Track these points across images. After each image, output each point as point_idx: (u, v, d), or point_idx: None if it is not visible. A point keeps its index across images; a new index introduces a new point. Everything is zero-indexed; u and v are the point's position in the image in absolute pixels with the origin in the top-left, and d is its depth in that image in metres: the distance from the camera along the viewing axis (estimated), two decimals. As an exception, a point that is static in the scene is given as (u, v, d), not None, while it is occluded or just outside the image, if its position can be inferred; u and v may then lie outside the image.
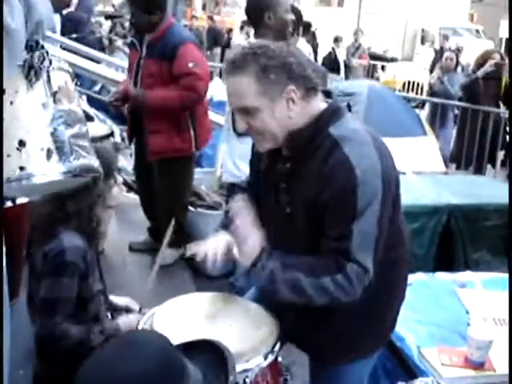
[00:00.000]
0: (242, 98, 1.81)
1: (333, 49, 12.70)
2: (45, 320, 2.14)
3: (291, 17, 3.64)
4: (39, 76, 1.72)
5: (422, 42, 22.27)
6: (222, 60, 14.41)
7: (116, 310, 2.54)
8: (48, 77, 1.75)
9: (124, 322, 2.36)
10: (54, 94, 1.73)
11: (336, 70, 11.73)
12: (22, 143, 1.66)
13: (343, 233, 1.78)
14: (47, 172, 1.70)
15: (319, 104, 1.88)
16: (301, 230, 1.91)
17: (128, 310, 2.54)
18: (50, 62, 1.76)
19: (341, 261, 1.79)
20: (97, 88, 8.17)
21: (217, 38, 16.25)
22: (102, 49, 9.60)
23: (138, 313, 2.45)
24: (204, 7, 28.68)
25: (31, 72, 1.70)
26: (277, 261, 1.84)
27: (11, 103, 1.66)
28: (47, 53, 1.76)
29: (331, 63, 11.84)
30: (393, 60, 19.00)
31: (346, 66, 12.90)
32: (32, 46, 1.76)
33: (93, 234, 2.34)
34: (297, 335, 2.06)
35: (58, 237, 2.20)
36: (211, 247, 1.99)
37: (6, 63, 1.64)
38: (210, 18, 19.73)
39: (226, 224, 2.09)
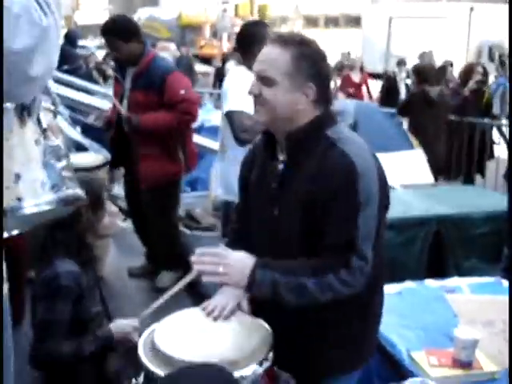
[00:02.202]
0: (270, 67, 1.91)
1: (393, 73, 11.37)
2: (39, 342, 2.27)
3: None
4: (31, 115, 1.85)
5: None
6: (214, 86, 14.55)
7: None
8: (37, 115, 1.89)
9: (116, 326, 2.44)
10: (44, 131, 1.88)
11: (394, 96, 10.12)
12: (17, 176, 1.77)
13: (349, 225, 1.84)
14: (42, 201, 1.83)
15: (318, 112, 1.97)
16: (292, 233, 1.96)
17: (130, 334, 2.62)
18: (40, 102, 1.90)
19: (344, 255, 1.85)
20: (91, 119, 8.27)
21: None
22: (95, 80, 9.74)
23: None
24: (215, 34, 28.37)
25: (24, 111, 1.82)
26: (275, 270, 1.88)
27: (7, 140, 1.76)
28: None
29: (391, 88, 10.41)
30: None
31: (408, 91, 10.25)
32: None
33: (86, 260, 2.46)
34: (285, 352, 2.03)
35: (52, 263, 2.34)
36: (220, 303, 2.03)
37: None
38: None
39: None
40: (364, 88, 10.56)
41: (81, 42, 13.67)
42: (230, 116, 3.77)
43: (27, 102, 1.77)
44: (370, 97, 10.20)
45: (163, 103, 4.35)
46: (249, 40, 3.85)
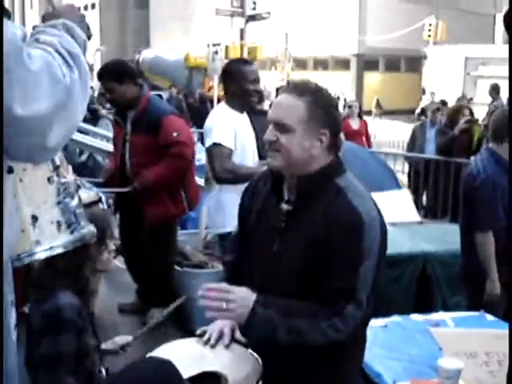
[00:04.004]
0: (286, 115, 2.00)
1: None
2: (48, 376, 2.23)
3: (255, 87, 3.89)
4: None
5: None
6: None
7: (114, 354, 2.70)
8: None
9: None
10: (56, 168, 1.86)
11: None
12: (34, 218, 1.78)
13: (351, 273, 1.93)
14: (59, 243, 1.82)
15: (329, 159, 2.07)
16: (289, 272, 2.03)
17: (123, 348, 2.72)
18: None
19: (340, 303, 1.93)
20: (84, 158, 8.37)
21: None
22: (86, 119, 9.87)
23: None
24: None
25: None
26: (274, 308, 1.95)
27: (21, 180, 1.76)
28: None
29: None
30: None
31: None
32: None
33: (83, 292, 2.47)
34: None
35: (54, 295, 2.32)
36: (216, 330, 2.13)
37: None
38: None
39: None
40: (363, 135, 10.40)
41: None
42: (210, 150, 3.84)
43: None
44: (369, 145, 10.15)
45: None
46: (229, 78, 3.96)
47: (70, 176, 1.92)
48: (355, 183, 2.08)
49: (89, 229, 1.92)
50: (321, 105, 2.02)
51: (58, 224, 1.82)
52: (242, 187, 3.64)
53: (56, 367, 2.24)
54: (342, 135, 2.19)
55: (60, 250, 1.82)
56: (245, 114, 3.99)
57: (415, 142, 8.94)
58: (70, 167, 2.07)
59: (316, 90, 2.04)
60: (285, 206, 2.09)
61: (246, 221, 2.27)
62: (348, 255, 1.94)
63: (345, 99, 13.46)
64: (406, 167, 9.63)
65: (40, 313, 2.33)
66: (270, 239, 2.10)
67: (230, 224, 3.77)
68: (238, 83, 3.88)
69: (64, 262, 2.37)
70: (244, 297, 1.98)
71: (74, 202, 1.88)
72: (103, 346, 2.70)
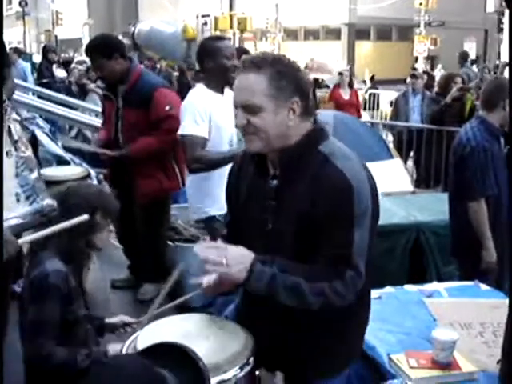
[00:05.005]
0: (251, 94, 1.92)
1: None
2: (31, 342, 2.26)
3: (232, 63, 3.79)
4: (1, 127, 1.87)
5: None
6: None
7: (114, 329, 2.68)
8: (8, 127, 1.91)
9: (114, 349, 2.44)
10: (15, 143, 1.89)
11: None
12: None
13: (345, 240, 1.89)
14: (17, 214, 1.84)
15: (308, 125, 2.00)
16: (286, 247, 2.00)
17: (126, 325, 2.68)
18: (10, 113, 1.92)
19: (340, 268, 1.90)
20: (73, 133, 8.30)
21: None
22: (75, 94, 9.76)
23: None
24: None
25: None
26: (275, 266, 1.91)
27: None
28: (8, 105, 1.93)
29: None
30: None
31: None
32: None
33: (73, 262, 2.46)
34: (270, 354, 2.12)
35: (41, 263, 2.34)
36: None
37: None
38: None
39: None
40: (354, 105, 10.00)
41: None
42: (182, 141, 3.77)
43: None
44: (359, 116, 10.00)
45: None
46: (205, 55, 3.85)
47: (28, 152, 1.92)
48: (340, 147, 2.01)
49: (48, 202, 1.92)
50: (283, 74, 1.93)
51: (17, 196, 1.83)
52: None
53: (39, 333, 2.25)
54: (313, 96, 2.11)
55: (18, 221, 1.82)
56: (226, 94, 3.86)
57: (398, 112, 8.90)
58: (45, 142, 2.10)
59: (274, 60, 1.95)
60: (272, 182, 2.04)
61: (234, 203, 2.23)
62: (341, 221, 1.90)
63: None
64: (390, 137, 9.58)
65: (29, 280, 2.36)
66: (263, 218, 2.06)
67: (210, 205, 3.74)
68: (215, 60, 3.78)
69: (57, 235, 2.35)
70: (243, 254, 1.94)
71: (33, 175, 1.91)
72: (106, 320, 2.71)
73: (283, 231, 2.00)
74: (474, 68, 16.48)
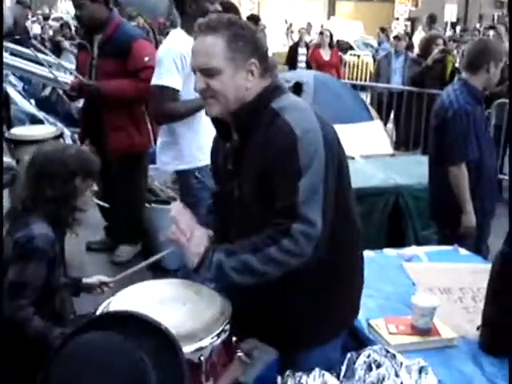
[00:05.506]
0: (208, 57, 1.87)
1: None
2: (10, 302, 2.21)
3: (215, 7, 3.66)
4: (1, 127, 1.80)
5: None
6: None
7: (91, 289, 2.64)
8: None
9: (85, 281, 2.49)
10: None
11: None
12: None
13: (289, 190, 1.82)
14: None
15: (264, 84, 1.95)
16: (252, 216, 1.95)
17: (102, 284, 2.65)
18: None
19: (284, 224, 1.82)
20: (47, 92, 8.12)
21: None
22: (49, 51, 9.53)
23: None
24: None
25: None
26: (221, 252, 1.87)
27: None
28: None
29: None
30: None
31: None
32: None
33: (58, 225, 2.41)
34: (250, 327, 2.06)
35: (28, 225, 2.29)
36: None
37: None
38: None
39: None
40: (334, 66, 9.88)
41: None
42: (154, 91, 3.62)
43: None
44: (339, 77, 9.86)
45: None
46: None
47: None
48: (293, 101, 1.95)
49: (7, 161, 1.85)
50: (240, 35, 1.89)
51: None
52: (193, 119, 3.51)
53: (19, 294, 2.20)
54: (271, 56, 2.07)
55: None
56: None
57: (380, 73, 8.81)
58: (18, 101, 2.00)
59: (230, 23, 1.90)
60: (229, 145, 2.00)
61: (218, 175, 2.18)
62: (285, 175, 1.84)
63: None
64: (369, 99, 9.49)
65: (12, 241, 2.30)
66: (229, 188, 2.02)
67: (183, 160, 3.64)
68: (198, 2, 3.64)
69: (50, 191, 2.34)
70: (203, 240, 1.91)
71: None
72: (83, 280, 2.66)
73: (247, 198, 1.95)
74: (448, 31, 16.35)
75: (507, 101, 6.12)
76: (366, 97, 9.51)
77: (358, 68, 14.21)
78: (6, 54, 7.73)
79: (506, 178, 6.35)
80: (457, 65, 8.69)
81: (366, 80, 12.42)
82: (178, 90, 3.53)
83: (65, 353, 1.31)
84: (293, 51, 11.04)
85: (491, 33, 11.16)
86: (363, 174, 4.60)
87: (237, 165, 1.98)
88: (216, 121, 2.03)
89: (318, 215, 1.84)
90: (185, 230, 1.89)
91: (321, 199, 1.85)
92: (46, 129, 5.31)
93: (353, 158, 4.96)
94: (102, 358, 1.27)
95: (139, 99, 4.37)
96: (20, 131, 5.03)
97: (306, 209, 1.82)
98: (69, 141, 5.83)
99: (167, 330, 1.43)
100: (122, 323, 1.42)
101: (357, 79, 12.94)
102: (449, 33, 20.18)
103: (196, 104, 3.35)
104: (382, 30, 14.70)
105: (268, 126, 1.88)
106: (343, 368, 2.00)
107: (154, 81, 3.59)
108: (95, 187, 2.52)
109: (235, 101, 1.91)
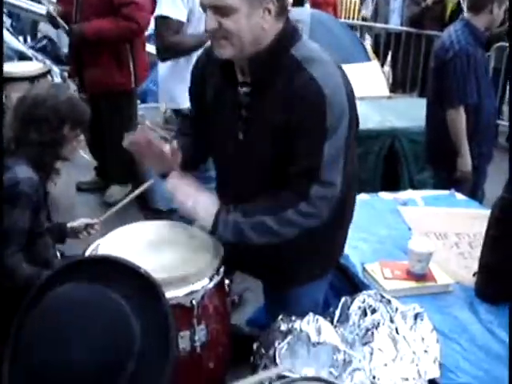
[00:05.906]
0: None
1: None
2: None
3: None
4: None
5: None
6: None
7: (77, 233, 2.60)
8: None
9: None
10: None
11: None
12: None
13: (312, 151, 1.77)
14: None
15: (280, 26, 1.80)
16: (259, 158, 1.88)
17: (87, 226, 2.61)
18: None
19: (303, 186, 1.79)
20: (44, 42, 7.92)
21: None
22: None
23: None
24: None
25: None
26: (237, 212, 1.83)
27: None
28: None
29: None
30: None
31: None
32: None
33: (42, 170, 2.33)
34: (248, 262, 2.08)
35: (11, 168, 2.20)
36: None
37: None
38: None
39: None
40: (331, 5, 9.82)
41: None
42: (156, 23, 3.45)
43: None
44: (336, 16, 9.57)
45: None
46: None
47: None
48: (313, 49, 1.83)
49: None
50: None
51: None
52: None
53: (7, 241, 2.14)
54: None
55: None
56: None
57: (378, 13, 8.58)
58: (6, 38, 1.89)
59: None
60: (242, 90, 1.87)
61: (199, 99, 2.05)
62: (311, 135, 1.77)
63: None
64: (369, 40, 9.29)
65: None
66: (233, 127, 1.91)
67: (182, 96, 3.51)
68: None
69: (36, 135, 2.26)
70: (210, 203, 1.87)
71: None
72: (68, 225, 2.60)
73: (256, 144, 1.87)
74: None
75: (507, 44, 5.99)
76: (364, 37, 9.33)
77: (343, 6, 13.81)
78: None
79: (503, 123, 6.26)
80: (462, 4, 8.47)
81: (353, 19, 12.07)
82: (182, 22, 3.37)
83: (42, 306, 1.24)
84: None
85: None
86: (359, 116, 4.50)
87: (248, 110, 1.87)
88: (221, 62, 1.88)
89: (338, 177, 1.81)
90: (188, 196, 1.85)
91: (342, 161, 1.81)
92: (35, 65, 5.15)
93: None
94: (82, 310, 1.21)
95: (120, 39, 4.22)
96: (8, 68, 4.88)
97: (328, 172, 1.79)
98: (57, 78, 5.69)
99: (147, 274, 1.36)
100: (100, 269, 1.35)
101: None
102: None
103: (204, 39, 3.19)
104: None
105: (291, 78, 1.76)
106: (337, 312, 1.98)
107: (157, 11, 3.43)
108: (82, 137, 2.43)
109: (251, 43, 1.76)
